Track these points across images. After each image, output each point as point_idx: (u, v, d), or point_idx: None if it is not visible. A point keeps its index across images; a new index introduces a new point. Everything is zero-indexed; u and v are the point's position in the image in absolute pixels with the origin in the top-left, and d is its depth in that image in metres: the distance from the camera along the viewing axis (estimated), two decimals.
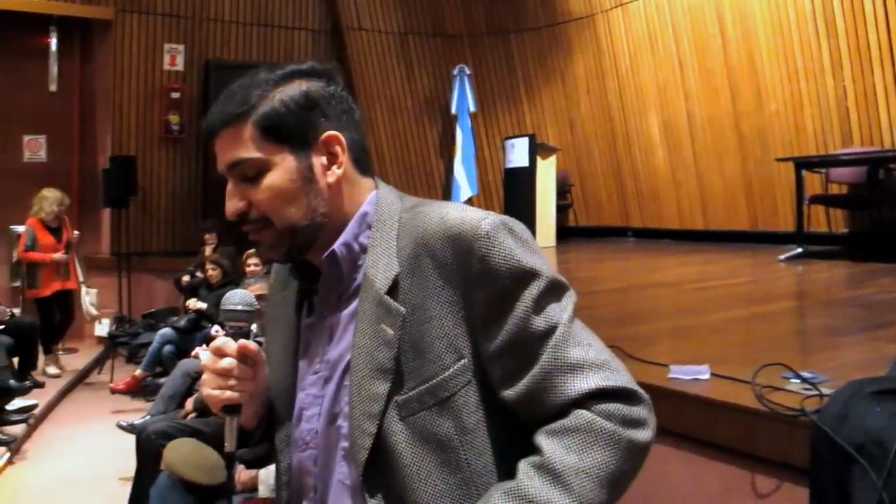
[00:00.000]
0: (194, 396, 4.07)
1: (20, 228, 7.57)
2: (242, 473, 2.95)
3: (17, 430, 5.34)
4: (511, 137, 9.56)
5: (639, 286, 5.60)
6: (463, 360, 1.08)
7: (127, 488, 3.80)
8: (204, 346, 5.23)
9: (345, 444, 1.14)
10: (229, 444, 1.17)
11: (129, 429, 4.61)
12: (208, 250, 7.57)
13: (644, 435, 1.04)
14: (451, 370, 1.08)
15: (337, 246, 1.16)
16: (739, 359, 2.75)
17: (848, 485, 1.82)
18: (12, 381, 5.79)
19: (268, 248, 1.17)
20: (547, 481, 1.00)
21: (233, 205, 1.16)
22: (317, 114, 1.15)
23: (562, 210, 9.78)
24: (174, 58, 9.39)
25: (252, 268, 5.61)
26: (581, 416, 1.03)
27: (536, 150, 8.98)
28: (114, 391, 6.28)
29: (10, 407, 5.54)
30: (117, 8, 8.97)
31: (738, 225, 8.21)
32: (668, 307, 4.64)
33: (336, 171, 1.15)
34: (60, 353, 7.50)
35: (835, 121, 7.14)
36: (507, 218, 1.11)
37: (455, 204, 1.16)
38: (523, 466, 1.04)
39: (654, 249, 8.27)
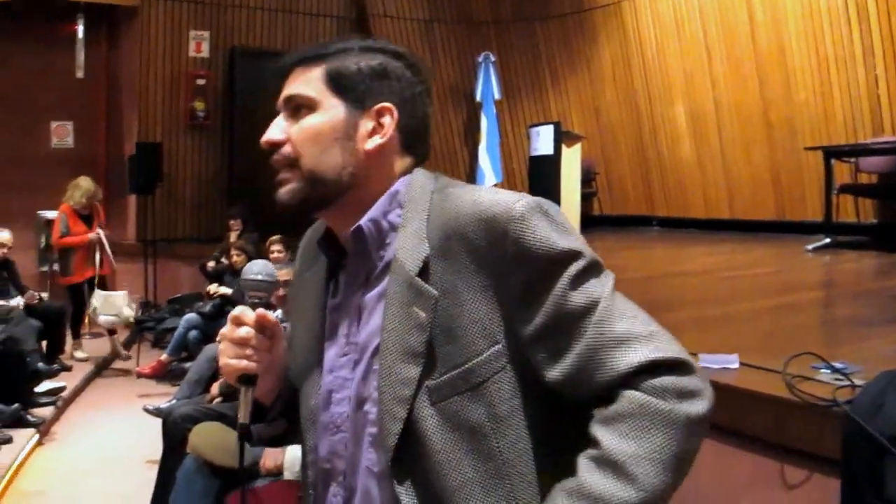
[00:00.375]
0: (220, 381, 4.10)
1: (49, 214, 7.64)
2: (268, 459, 2.96)
3: (46, 412, 5.41)
4: (536, 125, 9.49)
5: (664, 275, 5.56)
6: (497, 346, 1.06)
7: (154, 471, 3.84)
8: None
9: (372, 429, 1.12)
10: (243, 416, 1.17)
11: (156, 412, 4.66)
12: (233, 236, 7.61)
13: (701, 406, 1.00)
14: (485, 355, 1.05)
15: (364, 221, 1.14)
16: (767, 349, 2.73)
17: (881, 476, 1.80)
18: (41, 364, 5.88)
19: (286, 191, 1.15)
20: (608, 474, 0.97)
21: (271, 133, 1.16)
22: (383, 86, 1.15)
23: (586, 198, 9.71)
24: (199, 45, 9.43)
25: (276, 254, 5.64)
26: (633, 398, 1.00)
27: (561, 137, 8.90)
28: (140, 375, 6.35)
29: (38, 389, 5.62)
30: None
31: (764, 214, 8.12)
32: (693, 296, 4.60)
33: (377, 140, 1.14)
34: (86, 337, 7.59)
35: (865, 109, 7.03)
36: (541, 200, 1.09)
37: (486, 187, 1.15)
38: (583, 462, 1.01)
39: (679, 238, 8.21)
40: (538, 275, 1.04)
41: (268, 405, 1.24)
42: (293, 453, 2.71)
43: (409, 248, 1.10)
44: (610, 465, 0.98)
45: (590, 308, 1.03)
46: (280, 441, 1.38)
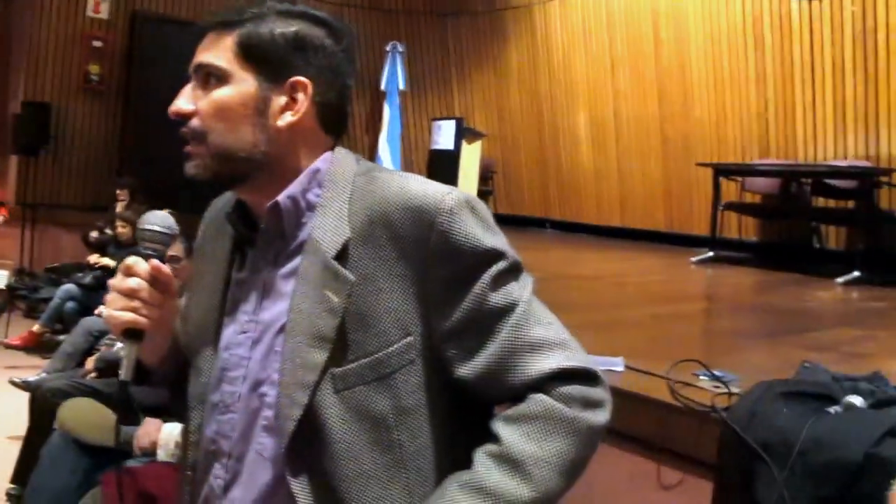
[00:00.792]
0: (96, 355, 3.92)
1: None
2: (143, 437, 2.84)
3: None
4: (439, 119, 9.55)
5: (557, 277, 5.66)
6: (409, 338, 1.04)
7: (16, 447, 3.63)
8: None
9: (268, 412, 1.08)
10: (125, 373, 1.11)
11: (24, 386, 4.40)
12: (120, 207, 7.29)
13: (602, 417, 1.04)
14: (396, 346, 1.03)
15: (282, 198, 1.10)
16: (651, 354, 2.81)
17: (752, 481, 1.87)
18: None
19: (195, 165, 1.10)
20: (505, 471, 0.98)
21: (179, 103, 1.10)
22: (299, 58, 1.10)
23: (483, 196, 9.82)
24: (98, 5, 8.98)
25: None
26: (540, 401, 1.01)
27: (463, 133, 8.99)
28: (8, 346, 6.01)
29: None
30: None
31: (654, 224, 8.39)
32: (584, 300, 4.71)
33: (289, 117, 1.10)
34: None
35: (755, 131, 7.36)
36: (469, 195, 1.08)
37: (414, 175, 1.11)
38: (480, 457, 1.01)
39: (572, 242, 8.40)
40: (461, 271, 1.03)
41: (152, 367, 1.18)
42: (168, 431, 2.60)
43: (327, 229, 1.07)
44: (509, 462, 0.98)
45: (508, 310, 1.03)
46: (159, 412, 1.32)
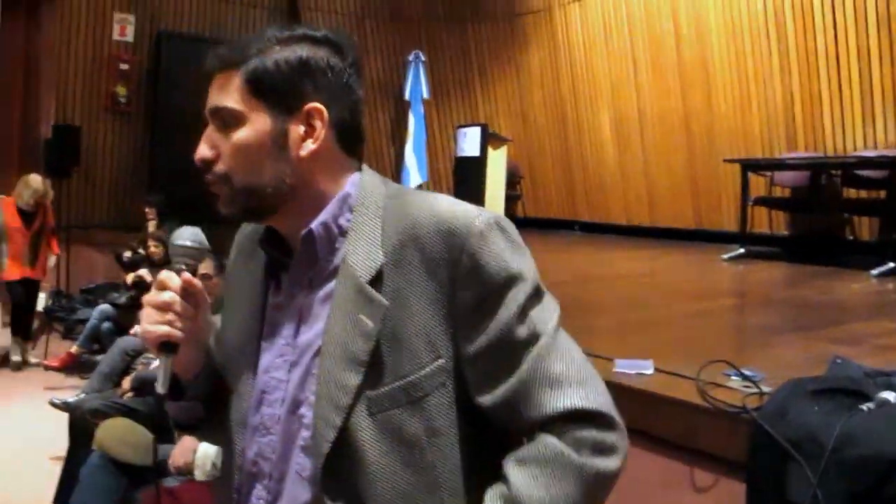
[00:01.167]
0: (132, 375, 3.98)
1: None
2: (178, 457, 2.88)
3: None
4: (463, 126, 9.55)
5: (586, 279, 5.65)
6: (440, 360, 1.05)
7: (58, 468, 3.70)
8: None
9: (305, 434, 1.09)
10: (161, 385, 1.13)
11: (63, 407, 4.48)
12: (151, 226, 7.41)
13: (613, 463, 1.02)
14: (428, 370, 1.04)
15: (315, 225, 1.11)
16: (682, 354, 2.80)
17: (784, 481, 1.86)
18: None
19: (224, 203, 1.12)
20: None
21: (201, 150, 1.11)
22: (309, 83, 1.10)
23: (511, 201, 9.82)
24: (124, 28, 9.15)
25: None
26: (551, 445, 1.01)
27: (488, 139, 9.00)
28: (47, 368, 6.12)
29: None
30: None
31: (682, 223, 8.32)
32: (614, 301, 4.69)
33: (310, 145, 1.10)
34: None
35: (781, 125, 7.29)
36: (499, 216, 1.08)
37: (443, 196, 1.12)
38: (490, 498, 1.02)
39: (600, 243, 8.36)
40: (488, 295, 1.04)
41: (187, 382, 1.20)
42: (204, 451, 2.64)
43: (360, 254, 1.08)
44: None
45: (532, 341, 1.04)
46: (194, 428, 1.33)
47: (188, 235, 1.18)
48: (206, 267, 3.68)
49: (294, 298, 1.15)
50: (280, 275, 1.18)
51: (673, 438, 2.26)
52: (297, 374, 1.12)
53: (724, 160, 7.18)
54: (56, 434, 4.12)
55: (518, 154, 10.08)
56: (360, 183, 1.14)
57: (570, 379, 1.03)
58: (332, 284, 1.10)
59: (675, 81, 8.26)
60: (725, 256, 6.46)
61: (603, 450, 1.02)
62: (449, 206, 1.08)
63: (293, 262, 1.15)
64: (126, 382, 4.03)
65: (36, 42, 9.07)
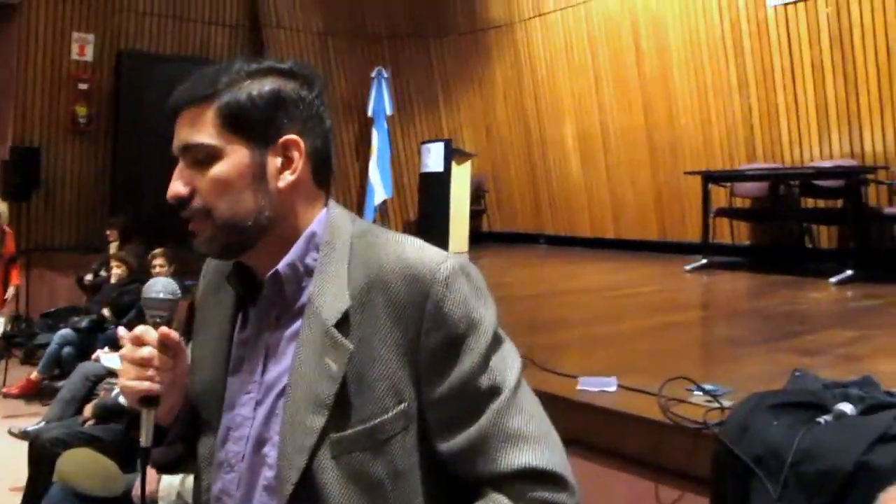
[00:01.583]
0: (94, 402, 3.91)
1: None
2: (137, 487, 2.83)
3: None
4: (427, 142, 9.59)
5: (552, 293, 5.68)
6: (403, 404, 1.05)
7: (18, 499, 3.62)
8: (106, 348, 5.06)
9: (269, 473, 1.09)
10: (145, 439, 1.12)
11: (23, 435, 4.39)
12: (113, 248, 7.31)
13: None
14: (391, 413, 1.04)
15: (281, 266, 1.11)
16: (647, 368, 2.82)
17: (748, 496, 1.88)
18: None
19: (203, 241, 1.11)
20: None
21: (176, 187, 1.09)
22: (282, 115, 1.10)
23: (476, 215, 9.87)
24: (83, 47, 9.04)
25: (158, 269, 5.42)
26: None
27: (452, 154, 9.04)
28: (7, 395, 5.99)
29: None
30: None
31: (647, 234, 8.41)
32: (579, 315, 4.72)
33: (288, 177, 1.10)
34: None
35: (740, 137, 7.41)
36: (465, 262, 1.09)
37: (410, 239, 1.12)
38: None
39: (566, 257, 8.41)
40: (452, 342, 1.04)
41: (166, 426, 1.19)
42: (169, 482, 2.60)
43: (326, 296, 1.08)
44: None
45: (493, 392, 1.05)
46: (174, 467, 1.32)
47: (160, 287, 1.16)
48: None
49: (261, 335, 1.15)
50: (248, 309, 1.18)
51: (638, 455, 2.27)
52: (262, 413, 1.11)
53: (686, 172, 7.28)
54: (16, 464, 4.03)
55: (483, 168, 10.13)
56: (327, 220, 1.14)
57: (527, 436, 1.04)
58: (298, 323, 1.10)
59: (637, 96, 8.36)
60: (689, 267, 6.54)
61: None
62: (415, 251, 1.08)
63: (259, 298, 1.15)
64: (88, 410, 3.97)
65: None
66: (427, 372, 1.05)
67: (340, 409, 1.04)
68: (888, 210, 6.01)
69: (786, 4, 6.85)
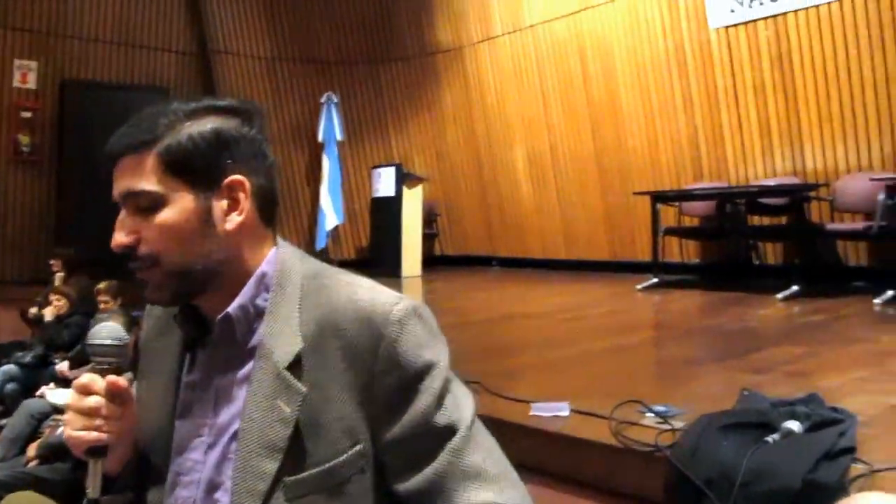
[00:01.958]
0: (38, 441, 3.80)
1: None
2: None
3: None
4: (378, 166, 9.59)
5: (505, 317, 5.69)
6: (358, 446, 1.04)
7: None
8: (52, 384, 4.93)
9: None
10: (93, 490, 1.08)
11: None
12: (58, 279, 7.14)
13: None
14: (346, 456, 1.03)
15: (232, 309, 1.09)
16: (601, 391, 2.83)
17: None
18: None
19: (153, 289, 1.08)
20: None
21: (120, 237, 1.07)
22: (225, 155, 1.08)
23: (428, 239, 9.89)
24: (25, 74, 8.88)
25: (102, 305, 5.30)
26: None
27: (403, 179, 9.07)
28: None
29: None
30: None
31: (598, 255, 8.49)
32: (532, 339, 4.73)
33: (236, 218, 1.09)
34: None
35: (687, 157, 7.55)
36: (417, 304, 1.09)
37: (361, 280, 1.12)
38: None
39: (518, 279, 8.44)
40: (406, 383, 1.04)
41: (115, 475, 1.15)
42: None
43: (278, 337, 1.07)
44: None
45: (449, 432, 1.04)
46: None
47: (107, 333, 1.11)
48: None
49: (210, 378, 1.12)
50: (196, 350, 1.15)
51: (593, 480, 2.27)
52: (213, 457, 1.09)
53: (634, 193, 7.38)
54: None
55: (434, 192, 10.15)
56: (277, 260, 1.13)
57: (486, 474, 1.04)
58: (249, 366, 1.09)
59: (585, 118, 8.48)
60: (640, 287, 6.62)
61: None
62: (368, 293, 1.08)
63: (209, 339, 1.13)
64: (31, 450, 3.85)
65: None
66: (382, 413, 1.04)
67: (294, 452, 1.03)
68: (830, 226, 6.15)
69: (727, 27, 7.02)
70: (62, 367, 5.00)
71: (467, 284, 8.25)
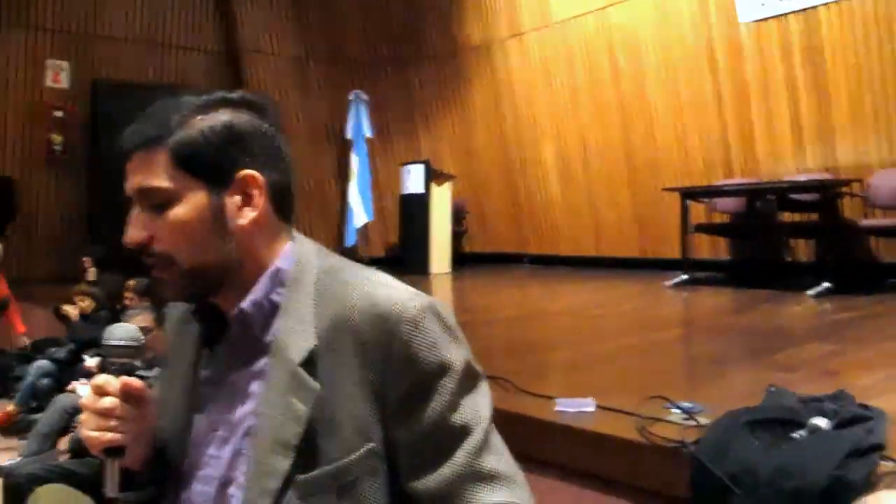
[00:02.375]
0: (69, 435, 3.85)
1: None
2: None
3: None
4: (407, 164, 9.60)
5: (534, 314, 5.67)
6: (370, 445, 1.03)
7: None
8: (83, 379, 4.99)
9: None
10: (111, 489, 1.08)
11: None
12: (91, 275, 7.24)
13: None
14: (358, 454, 1.02)
15: (247, 305, 1.09)
16: (628, 388, 2.82)
17: None
18: None
19: (168, 289, 1.09)
20: None
21: (133, 233, 1.07)
22: (238, 149, 1.07)
23: (457, 237, 9.87)
24: (57, 74, 9.00)
25: (127, 301, 5.35)
26: None
27: (432, 176, 9.07)
28: None
29: None
30: None
31: (628, 252, 8.44)
32: (560, 336, 4.71)
33: (249, 214, 1.08)
34: None
35: (718, 153, 7.47)
36: (434, 301, 1.07)
37: (378, 276, 1.11)
38: None
39: (549, 276, 8.41)
40: (421, 383, 1.03)
41: (135, 471, 1.15)
42: None
43: (292, 334, 1.06)
44: None
45: (466, 433, 1.03)
46: None
47: (121, 334, 1.12)
48: (144, 320, 3.61)
49: (227, 373, 1.12)
50: (213, 346, 1.15)
51: (617, 477, 2.25)
52: (227, 452, 1.09)
53: (664, 189, 7.32)
54: None
55: (463, 190, 10.14)
56: (293, 255, 1.13)
57: (501, 475, 1.03)
58: (263, 361, 1.09)
59: (615, 114, 8.42)
60: (669, 283, 6.57)
61: None
62: (384, 290, 1.06)
63: (225, 335, 1.13)
64: (62, 443, 3.90)
65: None
66: (396, 413, 1.03)
67: (307, 450, 1.02)
68: (863, 223, 6.05)
69: (757, 21, 6.93)
70: (91, 363, 5.07)
71: (497, 282, 8.24)
